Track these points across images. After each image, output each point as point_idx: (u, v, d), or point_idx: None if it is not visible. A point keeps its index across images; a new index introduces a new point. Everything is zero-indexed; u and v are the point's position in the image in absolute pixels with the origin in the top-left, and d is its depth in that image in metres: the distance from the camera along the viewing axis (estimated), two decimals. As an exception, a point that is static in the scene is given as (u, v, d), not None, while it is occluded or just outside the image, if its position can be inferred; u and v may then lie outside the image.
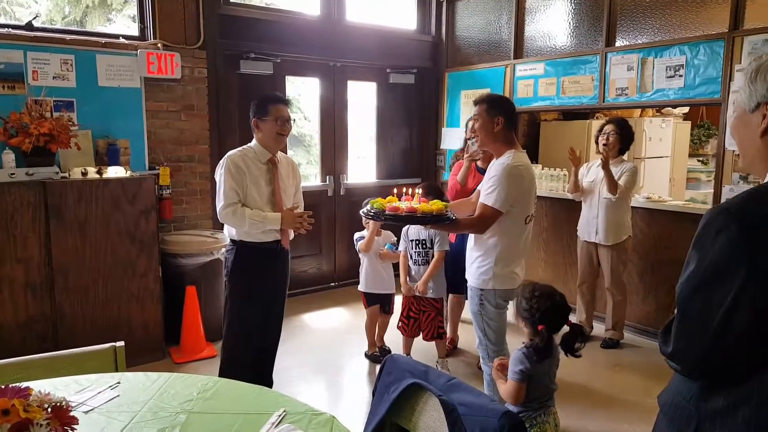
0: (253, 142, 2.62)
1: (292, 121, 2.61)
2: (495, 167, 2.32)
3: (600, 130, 3.65)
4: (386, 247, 3.32)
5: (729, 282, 0.93)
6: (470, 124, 3.33)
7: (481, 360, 2.50)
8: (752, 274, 0.91)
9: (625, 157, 3.64)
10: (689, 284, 0.99)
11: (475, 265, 2.39)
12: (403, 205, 2.22)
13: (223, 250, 2.66)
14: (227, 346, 2.64)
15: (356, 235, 3.42)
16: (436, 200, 2.32)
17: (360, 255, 3.38)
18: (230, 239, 2.64)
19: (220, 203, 2.52)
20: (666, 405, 1.09)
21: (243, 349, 2.63)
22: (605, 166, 3.44)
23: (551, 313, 1.92)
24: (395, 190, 2.43)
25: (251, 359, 2.66)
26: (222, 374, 2.60)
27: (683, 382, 1.05)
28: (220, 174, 2.54)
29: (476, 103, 2.39)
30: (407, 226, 3.19)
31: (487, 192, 2.30)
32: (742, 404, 0.95)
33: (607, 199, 3.50)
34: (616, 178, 3.49)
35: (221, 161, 2.57)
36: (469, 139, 3.38)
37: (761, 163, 1.04)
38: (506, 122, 2.34)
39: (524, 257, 2.43)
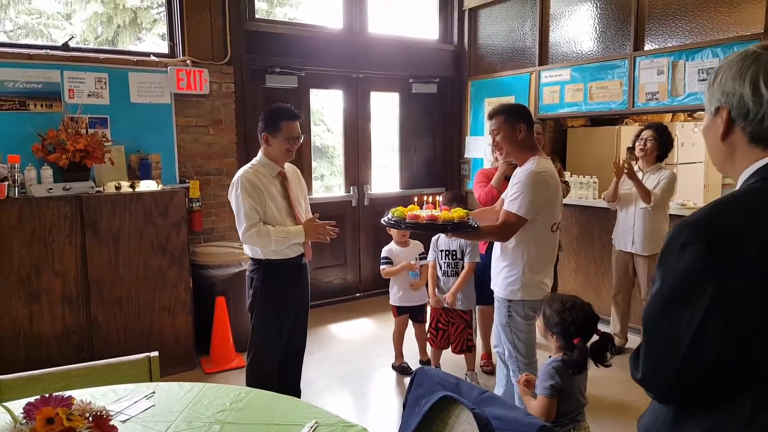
0: (260, 155, 2.55)
1: (301, 138, 2.57)
2: (519, 174, 2.31)
3: (637, 136, 3.58)
4: (410, 275, 3.32)
5: (696, 302, 0.87)
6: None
7: (511, 373, 2.45)
8: (721, 294, 0.85)
9: (663, 164, 3.57)
10: (654, 305, 0.94)
11: (502, 276, 2.36)
12: (424, 213, 2.22)
13: (247, 264, 2.63)
14: (254, 360, 2.60)
15: (384, 251, 3.41)
16: (457, 208, 2.31)
17: None
18: (253, 258, 2.57)
19: (241, 225, 2.43)
20: (645, 430, 1.04)
21: (271, 361, 2.61)
22: (631, 176, 3.40)
23: (585, 325, 1.88)
24: (416, 198, 2.42)
25: (278, 371, 2.65)
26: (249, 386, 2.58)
27: (659, 406, 1.00)
28: (236, 195, 2.45)
29: (491, 116, 2.37)
30: (437, 235, 3.19)
31: (511, 198, 2.28)
32: (719, 431, 0.89)
33: (644, 208, 3.45)
34: (654, 185, 3.43)
35: (234, 181, 2.48)
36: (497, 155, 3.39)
37: (730, 166, 1.01)
38: (528, 128, 2.34)
39: (552, 266, 2.40)
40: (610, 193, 3.62)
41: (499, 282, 2.38)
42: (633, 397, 3.11)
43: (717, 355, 0.87)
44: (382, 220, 2.37)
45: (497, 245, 2.43)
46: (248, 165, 2.56)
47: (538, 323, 2.00)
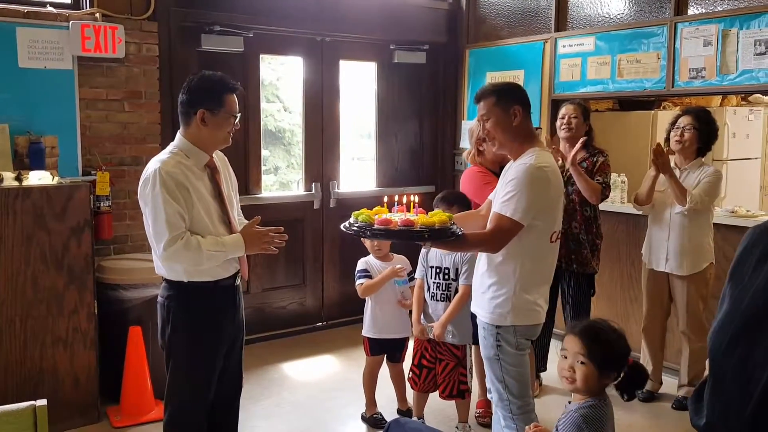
0: (180, 140, 2.47)
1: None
2: (514, 169, 2.39)
3: (673, 124, 3.65)
4: (397, 284, 3.31)
5: None
6: (475, 131, 3.30)
7: (502, 420, 2.47)
8: None
9: (705, 159, 3.64)
10: (723, 332, 0.96)
11: (488, 296, 2.42)
12: (396, 216, 2.26)
13: (160, 288, 2.53)
14: (174, 416, 2.54)
15: (359, 264, 3.41)
16: (437, 211, 2.37)
17: None
18: (169, 281, 2.47)
19: (162, 238, 2.32)
20: None
21: (198, 417, 2.55)
22: (664, 169, 3.44)
23: (623, 355, 1.92)
24: (386, 199, 2.47)
25: (208, 426, 2.60)
26: None
27: None
28: (152, 196, 2.33)
29: (478, 99, 2.45)
30: (428, 248, 3.18)
31: (504, 199, 2.34)
32: None
33: (680, 215, 3.51)
34: (693, 185, 3.50)
35: (147, 176, 2.37)
36: (480, 145, 3.37)
37: None
38: (524, 111, 2.42)
39: (548, 285, 2.49)
40: (645, 192, 3.65)
41: (484, 304, 2.43)
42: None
43: None
44: (342, 227, 2.38)
45: (482, 258, 2.49)
46: (165, 153, 2.46)
47: (584, 372, 1.90)
